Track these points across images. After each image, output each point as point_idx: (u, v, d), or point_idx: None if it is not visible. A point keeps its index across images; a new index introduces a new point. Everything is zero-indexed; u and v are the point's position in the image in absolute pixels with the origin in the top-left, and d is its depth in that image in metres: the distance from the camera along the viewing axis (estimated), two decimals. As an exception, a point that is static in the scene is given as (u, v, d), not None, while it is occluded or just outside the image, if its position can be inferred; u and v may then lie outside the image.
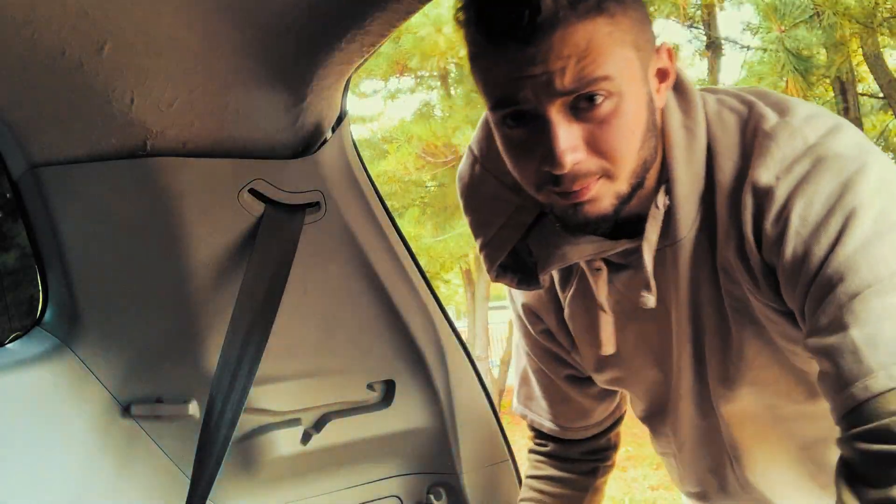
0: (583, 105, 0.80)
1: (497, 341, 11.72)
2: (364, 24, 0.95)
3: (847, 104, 6.55)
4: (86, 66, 0.94)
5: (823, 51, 5.94)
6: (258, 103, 1.07)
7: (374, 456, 1.36)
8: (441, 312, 1.32)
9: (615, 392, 1.23)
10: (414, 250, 1.31)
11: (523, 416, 1.29)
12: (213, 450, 1.04)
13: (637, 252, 0.93)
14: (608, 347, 1.03)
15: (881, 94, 6.80)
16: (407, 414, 1.33)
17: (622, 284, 1.00)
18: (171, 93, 1.00)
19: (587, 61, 0.78)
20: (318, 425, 1.28)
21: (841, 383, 0.78)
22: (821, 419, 0.92)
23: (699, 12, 7.89)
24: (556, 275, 1.08)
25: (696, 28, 8.14)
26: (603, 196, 0.84)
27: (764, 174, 0.85)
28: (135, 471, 1.23)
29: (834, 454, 0.81)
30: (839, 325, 0.78)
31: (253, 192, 1.11)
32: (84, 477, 1.16)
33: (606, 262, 0.98)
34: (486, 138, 1.00)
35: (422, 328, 1.29)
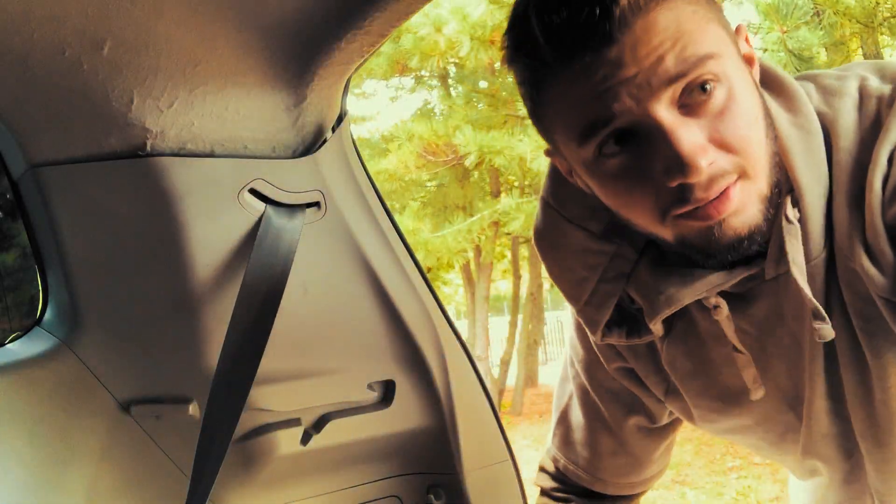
0: (692, 100, 0.68)
1: (497, 341, 11.71)
2: (364, 24, 0.95)
3: (847, 104, 6.51)
4: (86, 66, 0.94)
5: (823, 50, 5.94)
6: (258, 103, 1.06)
7: (374, 456, 1.36)
8: (441, 312, 1.32)
9: (670, 446, 1.13)
10: (412, 245, 1.30)
11: (555, 460, 1.18)
12: (213, 450, 1.04)
13: (754, 280, 0.81)
14: (756, 392, 0.88)
15: (881, 94, 6.77)
16: (407, 414, 1.33)
17: (738, 320, 0.86)
18: (171, 93, 1.00)
19: (684, 42, 0.66)
20: (318, 425, 1.27)
21: None
22: None
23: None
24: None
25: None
26: (747, 203, 0.71)
27: (887, 145, 0.72)
28: (134, 471, 1.22)
29: None
30: None
31: (253, 191, 1.11)
32: (83, 477, 1.16)
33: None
34: (559, 186, 0.89)
35: (422, 328, 1.29)
